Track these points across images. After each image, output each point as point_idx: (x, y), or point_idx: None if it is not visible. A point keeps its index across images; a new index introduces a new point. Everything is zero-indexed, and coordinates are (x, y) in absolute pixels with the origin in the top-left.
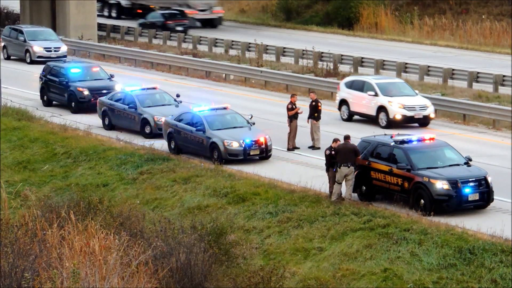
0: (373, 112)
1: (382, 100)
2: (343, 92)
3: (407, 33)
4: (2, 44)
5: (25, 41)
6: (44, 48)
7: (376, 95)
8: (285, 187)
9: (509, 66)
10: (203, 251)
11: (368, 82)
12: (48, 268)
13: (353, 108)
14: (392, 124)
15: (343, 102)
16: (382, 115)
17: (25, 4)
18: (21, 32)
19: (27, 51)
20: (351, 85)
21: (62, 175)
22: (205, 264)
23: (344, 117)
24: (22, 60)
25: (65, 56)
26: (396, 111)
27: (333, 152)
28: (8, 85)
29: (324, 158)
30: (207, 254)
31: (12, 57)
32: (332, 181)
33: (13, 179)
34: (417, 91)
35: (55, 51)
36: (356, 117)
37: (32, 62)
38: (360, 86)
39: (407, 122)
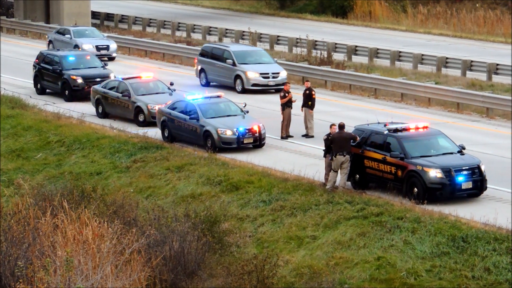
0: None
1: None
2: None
3: (401, 22)
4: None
5: (234, 64)
6: (261, 74)
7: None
8: (279, 176)
9: (502, 55)
10: (196, 239)
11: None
12: (41, 257)
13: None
14: (246, 91)
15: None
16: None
17: None
18: (228, 55)
19: (237, 76)
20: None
21: (56, 163)
22: (199, 253)
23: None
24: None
25: (284, 84)
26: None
27: (329, 138)
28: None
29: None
30: (201, 242)
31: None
32: (328, 168)
33: (6, 167)
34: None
35: (273, 77)
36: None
37: (245, 91)
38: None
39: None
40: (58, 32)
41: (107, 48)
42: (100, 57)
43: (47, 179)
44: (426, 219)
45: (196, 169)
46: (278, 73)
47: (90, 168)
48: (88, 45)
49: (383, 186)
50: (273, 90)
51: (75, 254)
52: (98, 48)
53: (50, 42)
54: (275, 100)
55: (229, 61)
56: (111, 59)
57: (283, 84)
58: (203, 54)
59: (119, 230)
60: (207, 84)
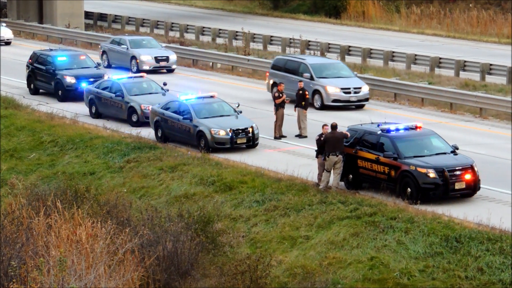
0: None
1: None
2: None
3: (394, 22)
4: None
5: (312, 78)
6: (342, 89)
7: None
8: (272, 176)
9: (496, 55)
10: (190, 239)
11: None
12: (34, 256)
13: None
14: (326, 107)
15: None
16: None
17: None
18: (304, 68)
19: (315, 92)
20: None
21: (49, 163)
22: (192, 253)
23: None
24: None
25: (367, 100)
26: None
27: (322, 138)
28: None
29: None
30: (194, 242)
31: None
32: (321, 168)
33: None
34: (163, 44)
35: (355, 92)
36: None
37: (324, 107)
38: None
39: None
40: (113, 42)
41: (167, 59)
42: (159, 69)
43: (40, 179)
44: (420, 219)
45: (190, 169)
46: (360, 87)
47: (84, 168)
48: (146, 56)
49: (377, 186)
50: (354, 107)
51: (68, 254)
52: (157, 59)
53: (103, 52)
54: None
55: (306, 74)
56: (171, 71)
57: (365, 99)
58: (275, 67)
59: (113, 230)
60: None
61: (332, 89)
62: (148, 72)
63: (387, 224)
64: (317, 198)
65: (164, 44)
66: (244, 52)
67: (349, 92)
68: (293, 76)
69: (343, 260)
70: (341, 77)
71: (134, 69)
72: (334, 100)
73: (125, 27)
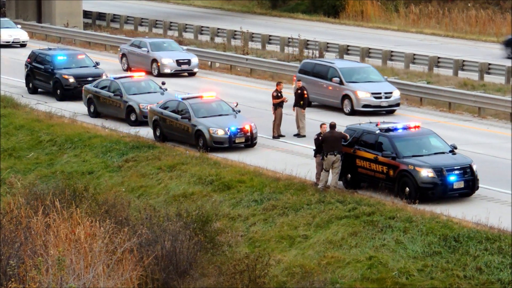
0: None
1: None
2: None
3: (393, 21)
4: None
5: (341, 83)
6: (372, 94)
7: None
8: (270, 175)
9: (494, 54)
10: (188, 238)
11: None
12: (33, 256)
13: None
14: (356, 112)
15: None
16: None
17: None
18: (333, 72)
19: (345, 97)
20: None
21: (47, 162)
22: (190, 252)
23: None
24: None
25: (398, 105)
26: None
27: (320, 138)
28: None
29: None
30: (192, 241)
31: None
32: (319, 167)
33: None
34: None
35: (386, 97)
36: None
37: (354, 112)
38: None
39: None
40: (133, 45)
41: (189, 62)
42: (180, 72)
43: (39, 178)
44: (418, 218)
45: (188, 169)
46: (391, 92)
47: (82, 167)
48: (168, 60)
49: (375, 185)
50: (384, 112)
51: (67, 253)
52: (178, 62)
53: (123, 55)
54: (266, 99)
55: (335, 79)
56: (192, 74)
57: (396, 105)
58: (303, 71)
59: (111, 229)
60: (308, 104)
61: (363, 94)
62: (170, 75)
63: (386, 224)
64: (315, 197)
65: (185, 47)
66: (242, 52)
67: (380, 97)
68: (322, 80)
69: (341, 259)
70: (371, 82)
71: (155, 72)
72: (365, 106)
73: (123, 26)
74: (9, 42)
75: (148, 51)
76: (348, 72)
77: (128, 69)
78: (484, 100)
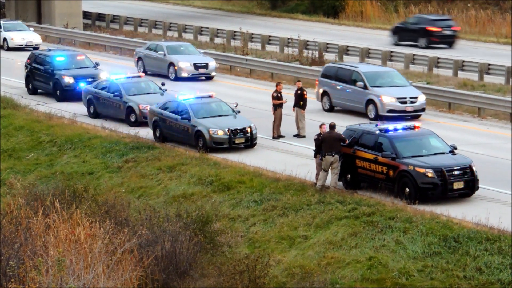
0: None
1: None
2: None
3: (393, 22)
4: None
5: (365, 87)
6: (397, 98)
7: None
8: (270, 176)
9: (494, 55)
10: (188, 239)
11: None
12: (33, 256)
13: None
14: (381, 117)
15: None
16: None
17: None
18: (357, 76)
19: (369, 101)
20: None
21: (47, 163)
22: (190, 252)
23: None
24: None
25: (423, 110)
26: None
27: (319, 138)
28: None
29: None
30: (192, 242)
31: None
32: (319, 168)
33: None
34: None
35: (411, 102)
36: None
37: (379, 118)
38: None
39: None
40: (149, 49)
41: (206, 66)
42: (197, 76)
43: (39, 179)
44: (418, 219)
45: (188, 169)
46: (416, 97)
47: (82, 168)
48: (185, 63)
49: (375, 186)
50: (410, 117)
51: (67, 254)
52: (196, 66)
53: (139, 59)
54: (266, 99)
55: (359, 83)
56: (210, 78)
57: (421, 109)
58: (325, 75)
59: (111, 230)
60: (330, 109)
61: (388, 98)
62: (187, 79)
63: (386, 224)
64: (315, 198)
65: (202, 51)
66: (242, 52)
67: (405, 102)
68: (345, 84)
69: (341, 260)
70: (396, 86)
71: (172, 76)
72: (390, 111)
73: (123, 27)
74: (21, 45)
75: (164, 55)
76: (373, 77)
77: (144, 73)
78: (484, 101)
